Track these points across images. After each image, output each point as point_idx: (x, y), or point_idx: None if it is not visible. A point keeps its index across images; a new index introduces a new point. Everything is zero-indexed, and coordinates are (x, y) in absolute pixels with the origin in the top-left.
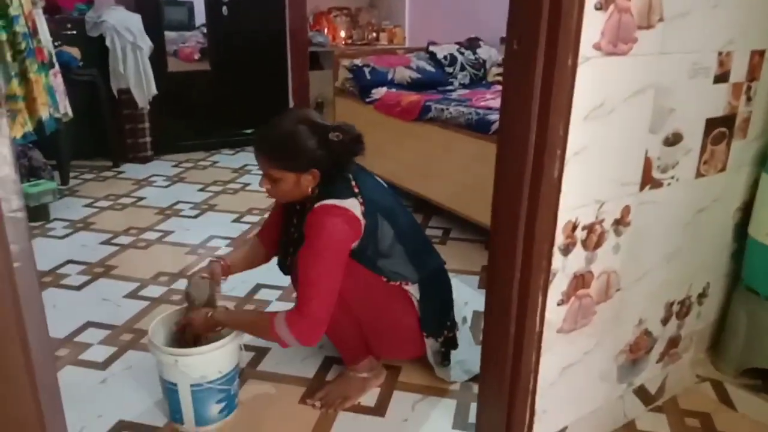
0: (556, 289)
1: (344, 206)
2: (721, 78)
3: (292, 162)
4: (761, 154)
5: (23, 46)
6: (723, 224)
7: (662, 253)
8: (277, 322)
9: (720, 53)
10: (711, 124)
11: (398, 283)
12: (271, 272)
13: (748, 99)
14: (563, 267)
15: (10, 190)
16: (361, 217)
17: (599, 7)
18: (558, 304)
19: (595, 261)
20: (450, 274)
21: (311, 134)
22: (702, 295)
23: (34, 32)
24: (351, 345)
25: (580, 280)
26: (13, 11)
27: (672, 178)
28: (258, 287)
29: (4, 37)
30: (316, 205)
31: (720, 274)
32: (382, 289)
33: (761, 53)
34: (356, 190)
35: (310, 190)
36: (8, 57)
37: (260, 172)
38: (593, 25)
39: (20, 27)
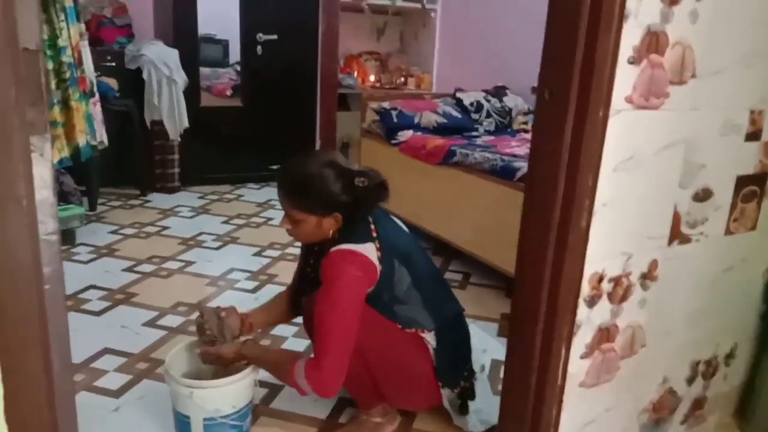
0: (580, 341)
1: (360, 251)
2: (753, 136)
3: (315, 205)
4: None
5: (67, 75)
6: (752, 284)
7: (689, 310)
8: (296, 370)
9: (752, 111)
10: (742, 181)
11: (414, 330)
12: None
13: None
14: (588, 319)
15: (47, 213)
16: (377, 262)
17: (632, 61)
18: (581, 357)
19: (621, 314)
20: (468, 320)
21: (336, 178)
22: (729, 356)
23: (78, 62)
24: (364, 391)
25: (605, 334)
26: (61, 42)
27: (701, 234)
28: None
29: (51, 66)
30: (332, 250)
31: (748, 335)
32: (397, 336)
33: None
34: (374, 234)
35: (330, 233)
36: (52, 85)
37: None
38: (626, 78)
39: (67, 57)
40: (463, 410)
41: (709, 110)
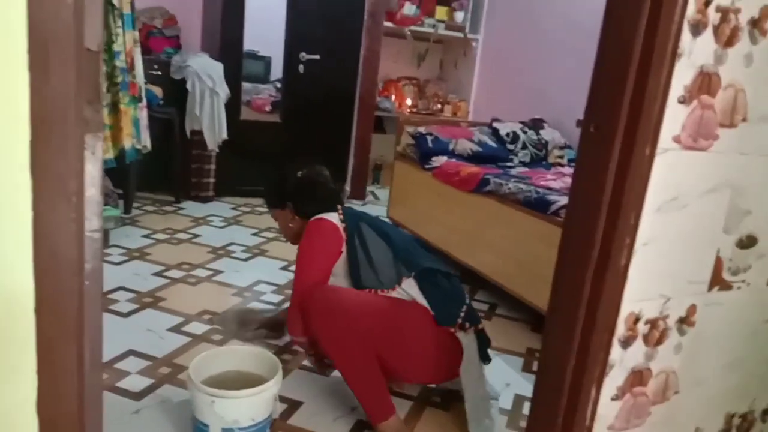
0: (612, 382)
1: (324, 217)
2: None
3: (271, 198)
4: None
5: (119, 79)
6: None
7: (726, 360)
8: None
9: None
10: None
11: (395, 287)
12: None
13: None
14: (621, 360)
15: (93, 211)
16: (339, 224)
17: (682, 101)
18: (612, 399)
19: (655, 358)
20: (493, 353)
21: (290, 174)
22: (766, 412)
23: (131, 68)
24: (373, 390)
25: (638, 377)
26: (116, 47)
27: (743, 281)
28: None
29: (104, 69)
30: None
31: None
32: (388, 304)
33: None
34: (338, 208)
35: (291, 225)
36: (103, 88)
37: None
38: (675, 117)
39: (120, 62)
40: (485, 358)
41: (757, 155)
